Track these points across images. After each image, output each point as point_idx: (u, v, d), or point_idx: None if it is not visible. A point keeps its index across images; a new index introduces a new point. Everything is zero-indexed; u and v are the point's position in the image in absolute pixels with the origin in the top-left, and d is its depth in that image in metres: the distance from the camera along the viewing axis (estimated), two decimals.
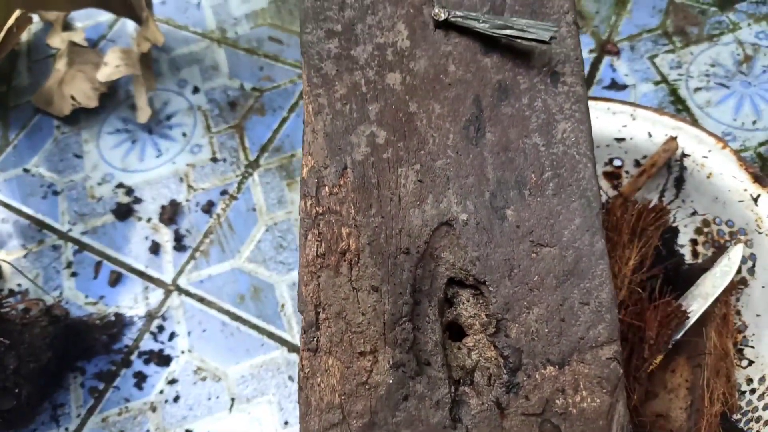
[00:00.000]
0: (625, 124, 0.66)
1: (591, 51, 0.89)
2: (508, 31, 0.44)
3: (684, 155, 0.63)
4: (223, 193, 0.85)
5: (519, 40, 0.44)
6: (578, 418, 0.39)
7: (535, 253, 0.41)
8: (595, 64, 0.88)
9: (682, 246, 0.65)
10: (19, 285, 0.80)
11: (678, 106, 0.82)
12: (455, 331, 0.43)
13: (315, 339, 0.41)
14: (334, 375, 0.41)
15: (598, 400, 0.39)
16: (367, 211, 0.43)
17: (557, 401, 0.39)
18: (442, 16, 0.46)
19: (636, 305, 0.55)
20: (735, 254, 0.57)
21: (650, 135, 0.65)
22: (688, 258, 0.65)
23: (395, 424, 0.40)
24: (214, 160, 0.88)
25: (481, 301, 0.42)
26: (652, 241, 0.59)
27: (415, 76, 0.46)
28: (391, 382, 0.40)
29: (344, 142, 0.45)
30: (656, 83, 0.85)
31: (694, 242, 0.65)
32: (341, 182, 0.44)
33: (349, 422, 0.40)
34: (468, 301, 0.42)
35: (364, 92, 0.46)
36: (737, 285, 0.60)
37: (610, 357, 0.39)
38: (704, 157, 0.62)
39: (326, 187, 0.44)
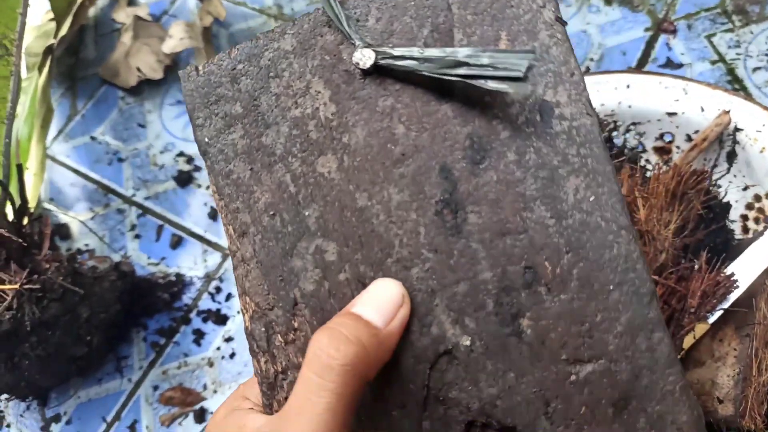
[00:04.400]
0: (677, 99, 0.66)
1: (647, 29, 0.88)
2: (462, 70, 0.31)
3: (736, 129, 0.63)
4: None
5: (481, 81, 0.31)
6: None
7: (574, 374, 0.31)
8: (651, 43, 0.87)
9: (732, 221, 0.65)
10: (86, 245, 0.85)
11: (735, 86, 0.81)
12: None
13: None
14: None
15: None
16: None
17: None
18: (368, 63, 0.33)
19: (679, 271, 0.55)
20: None
21: (702, 109, 0.65)
22: (739, 233, 0.65)
23: None
24: None
25: None
26: (693, 205, 0.59)
27: (354, 154, 0.34)
28: None
29: (285, 269, 0.34)
30: (713, 62, 0.84)
31: (744, 218, 0.65)
32: (296, 324, 0.34)
33: None
34: None
35: (293, 193, 0.34)
36: None
37: None
38: (757, 131, 0.62)
39: (279, 336, 0.34)
